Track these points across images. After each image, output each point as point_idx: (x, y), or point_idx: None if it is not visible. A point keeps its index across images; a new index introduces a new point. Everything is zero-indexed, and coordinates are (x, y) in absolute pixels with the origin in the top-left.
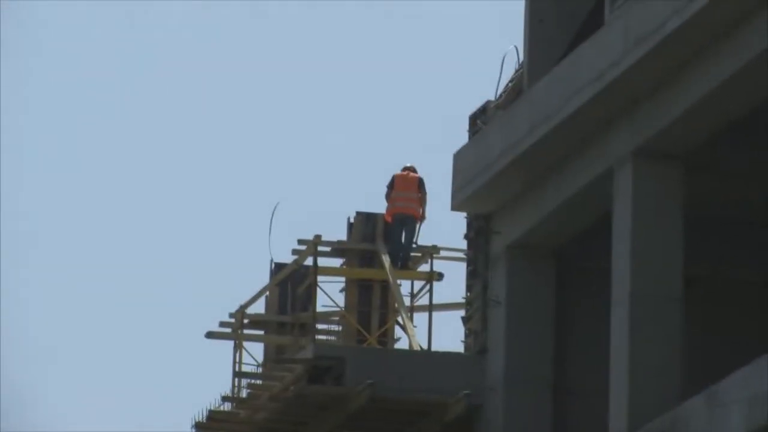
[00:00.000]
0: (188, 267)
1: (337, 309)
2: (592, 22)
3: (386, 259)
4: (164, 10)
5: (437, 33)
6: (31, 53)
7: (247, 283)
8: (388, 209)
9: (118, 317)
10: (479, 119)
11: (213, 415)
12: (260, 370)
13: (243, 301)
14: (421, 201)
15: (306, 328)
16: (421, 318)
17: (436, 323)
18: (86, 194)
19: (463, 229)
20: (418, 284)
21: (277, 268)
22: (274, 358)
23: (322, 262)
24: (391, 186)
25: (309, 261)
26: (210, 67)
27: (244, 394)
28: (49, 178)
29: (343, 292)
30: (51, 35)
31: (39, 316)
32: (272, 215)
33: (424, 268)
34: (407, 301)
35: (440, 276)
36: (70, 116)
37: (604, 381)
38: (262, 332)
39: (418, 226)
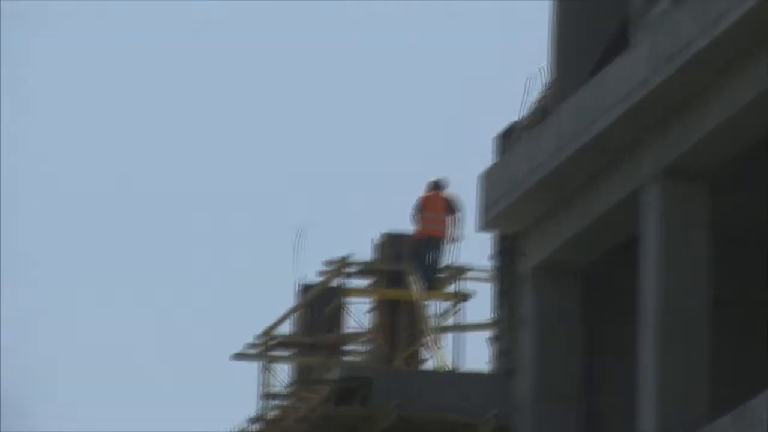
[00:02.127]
0: (214, 288)
1: (365, 330)
2: (618, 43)
3: (413, 280)
4: (180, 8)
5: (462, 54)
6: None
7: (273, 304)
8: (416, 230)
9: (142, 338)
10: (505, 140)
11: None
12: (287, 391)
13: (270, 323)
14: (454, 221)
15: (333, 349)
16: (448, 338)
17: (464, 343)
18: (108, 205)
19: (490, 250)
20: (445, 304)
21: (304, 289)
22: (301, 379)
23: (349, 283)
24: (419, 207)
25: (336, 282)
26: (233, 87)
27: (271, 415)
28: (69, 187)
29: (371, 313)
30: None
31: (62, 333)
32: (298, 237)
33: (452, 288)
34: (435, 322)
35: (467, 296)
36: (84, 123)
37: (632, 401)
38: (288, 353)
39: (449, 246)
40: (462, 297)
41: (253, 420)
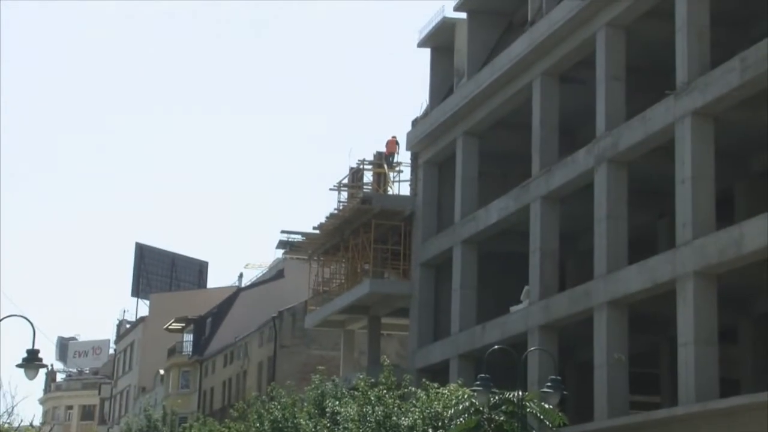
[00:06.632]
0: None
1: (372, 184)
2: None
3: (386, 165)
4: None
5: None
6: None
7: (344, 169)
8: (386, 149)
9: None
10: (416, 121)
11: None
12: (348, 203)
13: (342, 177)
14: (398, 147)
15: (360, 188)
16: (397, 183)
17: (401, 187)
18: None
19: (410, 156)
20: (395, 173)
21: (351, 169)
22: (350, 198)
23: (366, 167)
24: (387, 142)
25: (361, 165)
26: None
27: (340, 208)
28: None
29: (374, 176)
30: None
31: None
32: (350, 152)
33: (397, 168)
34: (392, 177)
35: (401, 171)
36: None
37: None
38: (348, 188)
39: (397, 154)
40: (400, 171)
41: (331, 214)
